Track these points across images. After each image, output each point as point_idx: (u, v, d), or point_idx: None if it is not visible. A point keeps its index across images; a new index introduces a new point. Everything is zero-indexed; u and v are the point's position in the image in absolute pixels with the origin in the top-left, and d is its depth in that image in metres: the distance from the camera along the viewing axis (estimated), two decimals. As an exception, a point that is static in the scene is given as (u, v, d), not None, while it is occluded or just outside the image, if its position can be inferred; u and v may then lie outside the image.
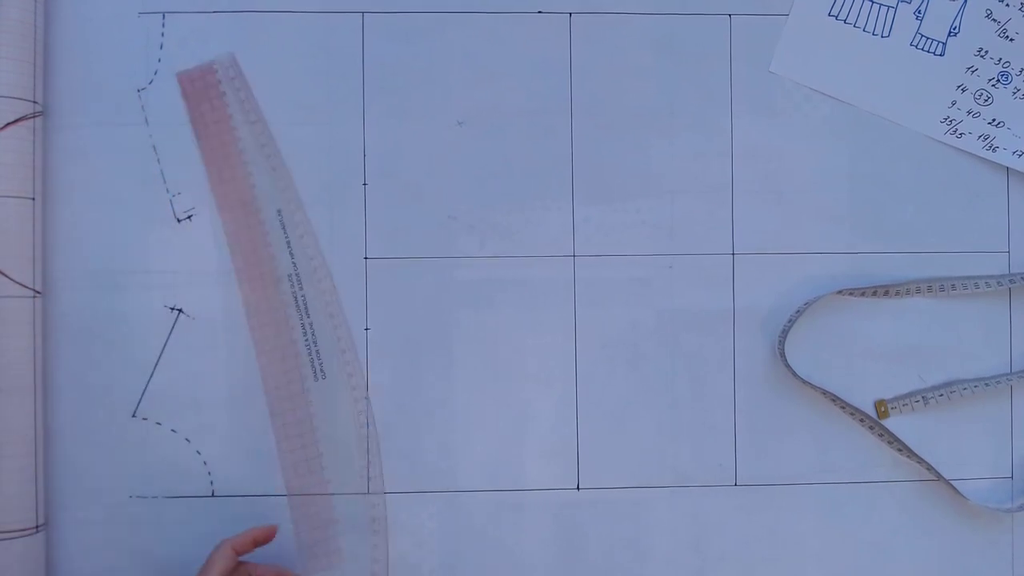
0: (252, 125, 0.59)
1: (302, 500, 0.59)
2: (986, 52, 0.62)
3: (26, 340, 0.56)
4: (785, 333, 0.60)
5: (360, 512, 0.60)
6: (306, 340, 0.59)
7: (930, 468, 0.61)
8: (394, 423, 0.60)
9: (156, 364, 0.59)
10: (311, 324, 0.59)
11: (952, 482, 0.61)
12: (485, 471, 0.60)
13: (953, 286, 0.61)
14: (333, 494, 0.60)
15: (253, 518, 0.59)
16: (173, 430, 0.59)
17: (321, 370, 0.59)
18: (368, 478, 0.60)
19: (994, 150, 0.62)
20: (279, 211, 0.59)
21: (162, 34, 0.60)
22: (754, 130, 0.62)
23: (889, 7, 0.62)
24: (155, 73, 0.60)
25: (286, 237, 0.59)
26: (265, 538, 0.55)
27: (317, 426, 0.59)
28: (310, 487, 0.59)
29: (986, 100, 0.62)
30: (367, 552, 0.59)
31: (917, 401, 0.61)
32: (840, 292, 0.61)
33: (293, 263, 0.59)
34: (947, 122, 0.62)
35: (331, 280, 0.59)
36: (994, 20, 0.61)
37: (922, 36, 0.62)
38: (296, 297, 0.59)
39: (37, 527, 0.57)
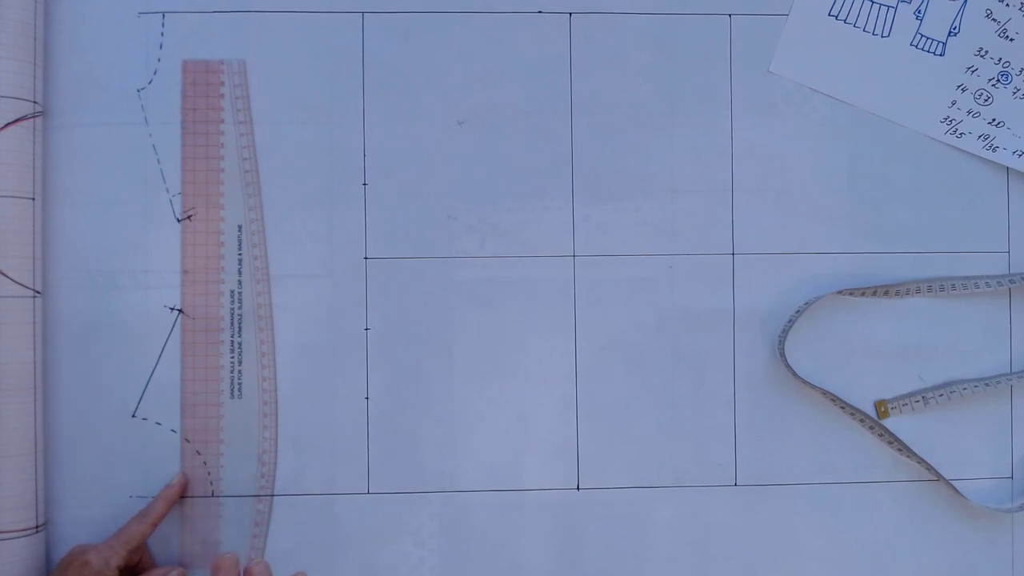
0: (241, 136, 0.59)
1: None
2: (986, 52, 0.62)
3: (26, 340, 0.56)
4: (785, 333, 0.60)
5: (360, 511, 0.60)
6: (232, 357, 0.59)
7: (930, 468, 0.61)
8: (394, 423, 0.60)
9: (156, 364, 0.59)
10: (240, 343, 0.59)
11: (952, 482, 0.61)
12: (485, 471, 0.60)
13: (953, 286, 0.61)
14: (335, 494, 0.60)
15: (253, 518, 0.59)
16: (173, 430, 0.59)
17: (239, 390, 0.59)
18: (368, 478, 0.60)
19: (994, 150, 0.62)
20: (240, 227, 0.59)
21: (162, 34, 0.60)
22: (754, 130, 0.62)
23: (889, 7, 0.62)
24: (155, 73, 0.60)
25: (239, 254, 0.59)
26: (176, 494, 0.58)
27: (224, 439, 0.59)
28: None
29: (986, 100, 0.62)
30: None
31: (917, 401, 0.61)
32: (840, 292, 0.61)
33: (239, 280, 0.59)
34: (947, 122, 0.62)
35: (270, 305, 0.59)
36: (994, 20, 0.61)
37: (922, 36, 0.62)
38: (233, 314, 0.59)
39: (37, 527, 0.57)
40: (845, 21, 0.62)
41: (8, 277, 0.56)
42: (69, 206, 0.59)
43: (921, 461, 0.61)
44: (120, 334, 0.59)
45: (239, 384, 0.60)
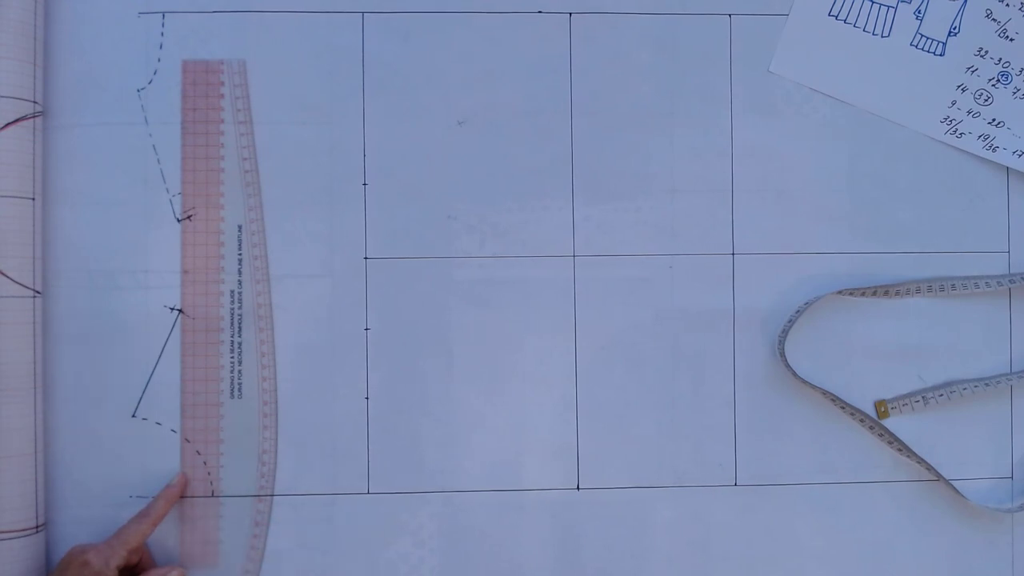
0: (241, 136, 0.59)
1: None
2: (986, 52, 0.62)
3: (26, 340, 0.56)
4: (785, 333, 0.60)
5: (360, 511, 0.60)
6: (232, 357, 0.59)
7: (930, 468, 0.61)
8: (393, 423, 0.60)
9: (156, 364, 0.59)
10: (240, 343, 0.59)
11: (952, 482, 0.61)
12: (485, 471, 0.60)
13: (953, 286, 0.61)
14: (335, 494, 0.60)
15: (253, 518, 0.59)
16: (173, 430, 0.59)
17: (239, 390, 0.59)
18: (368, 478, 0.60)
19: (994, 150, 0.62)
20: (240, 227, 0.59)
21: (162, 34, 0.60)
22: (754, 130, 0.62)
23: (889, 7, 0.62)
24: (155, 73, 0.60)
25: (239, 254, 0.59)
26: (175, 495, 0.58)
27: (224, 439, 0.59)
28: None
29: (986, 100, 0.62)
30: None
31: (917, 401, 0.61)
32: (840, 292, 0.61)
33: (239, 280, 0.59)
34: (947, 122, 0.62)
35: (270, 305, 0.59)
36: (994, 20, 0.61)
37: (922, 36, 0.62)
38: (233, 314, 0.59)
39: (37, 527, 0.57)
40: (845, 21, 0.62)
41: (8, 277, 0.56)
42: (69, 206, 0.59)
43: (921, 461, 0.61)
44: (120, 334, 0.59)
45: (239, 384, 0.60)
